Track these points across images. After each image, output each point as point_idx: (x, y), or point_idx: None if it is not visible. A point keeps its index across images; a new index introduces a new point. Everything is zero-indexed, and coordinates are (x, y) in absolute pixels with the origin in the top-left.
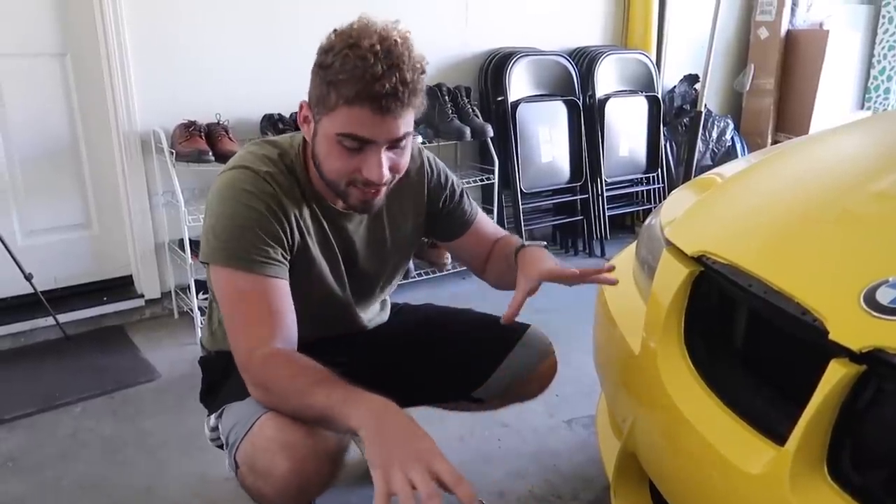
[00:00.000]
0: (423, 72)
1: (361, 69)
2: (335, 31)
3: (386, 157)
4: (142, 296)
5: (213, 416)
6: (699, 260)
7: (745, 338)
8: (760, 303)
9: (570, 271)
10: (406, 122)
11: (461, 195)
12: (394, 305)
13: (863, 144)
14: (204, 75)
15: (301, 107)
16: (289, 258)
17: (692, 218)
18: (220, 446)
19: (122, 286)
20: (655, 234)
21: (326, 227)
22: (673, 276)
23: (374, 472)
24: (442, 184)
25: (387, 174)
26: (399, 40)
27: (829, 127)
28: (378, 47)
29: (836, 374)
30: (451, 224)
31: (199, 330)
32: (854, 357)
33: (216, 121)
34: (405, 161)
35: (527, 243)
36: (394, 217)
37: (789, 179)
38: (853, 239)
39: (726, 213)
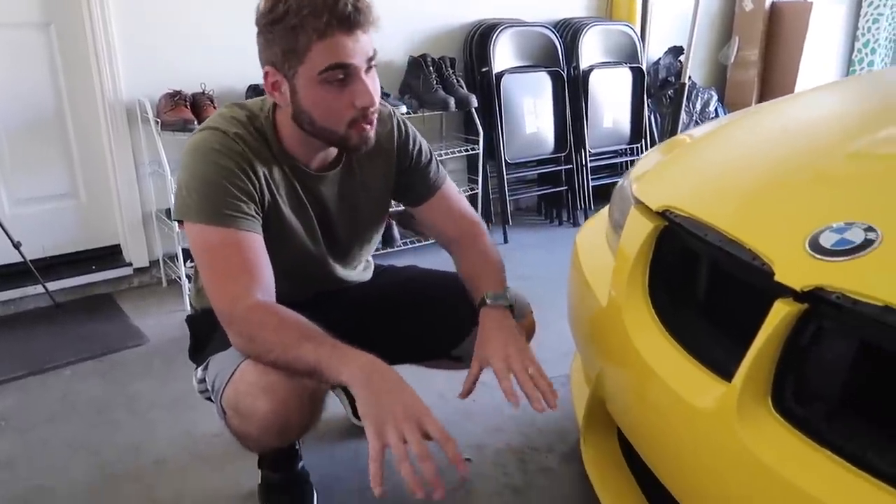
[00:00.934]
0: None
1: (319, 1)
2: None
3: (369, 81)
4: (130, 264)
5: (199, 369)
6: (663, 215)
7: (704, 286)
8: (717, 251)
9: (505, 383)
10: (371, 39)
11: (430, 158)
12: (378, 267)
13: (823, 105)
14: (189, 45)
15: (266, 75)
16: (261, 214)
17: (659, 176)
18: (209, 398)
19: (110, 255)
20: (625, 193)
21: (298, 187)
22: (639, 231)
23: (368, 427)
24: (411, 143)
25: (376, 97)
26: None
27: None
28: None
29: (780, 313)
30: (417, 185)
31: (188, 296)
32: (797, 297)
33: (201, 90)
34: (378, 86)
35: (489, 300)
36: (366, 178)
37: (750, 138)
38: (805, 191)
39: (691, 171)
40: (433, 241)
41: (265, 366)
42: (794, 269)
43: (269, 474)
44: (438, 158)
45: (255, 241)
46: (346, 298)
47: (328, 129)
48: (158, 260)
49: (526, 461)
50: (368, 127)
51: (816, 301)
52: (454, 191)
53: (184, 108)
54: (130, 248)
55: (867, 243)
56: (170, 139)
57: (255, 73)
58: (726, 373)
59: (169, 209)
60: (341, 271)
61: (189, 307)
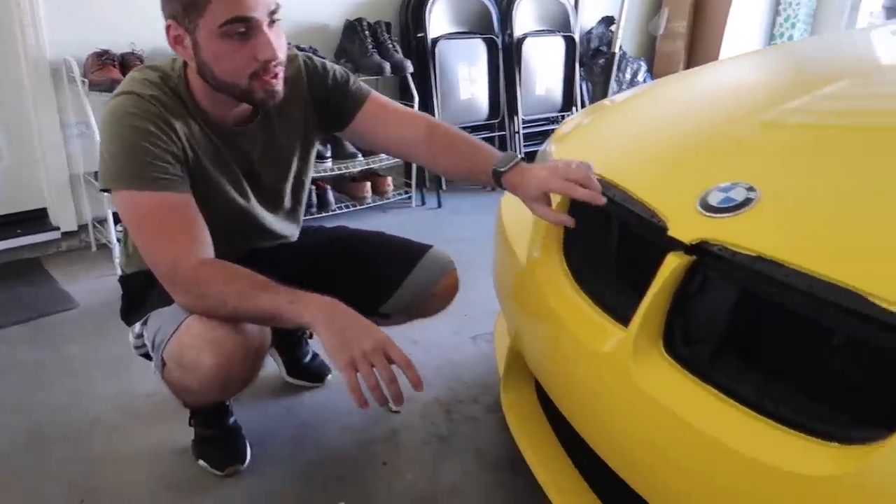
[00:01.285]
0: None
1: None
2: None
3: (272, 34)
4: (57, 228)
5: (138, 324)
6: None
7: (613, 243)
8: (623, 210)
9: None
10: None
11: (346, 77)
12: (309, 227)
13: (734, 75)
14: (117, 3)
15: (168, 29)
16: (186, 174)
17: (577, 139)
18: (144, 355)
19: (36, 219)
20: (546, 156)
21: (219, 143)
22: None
23: (339, 361)
24: (321, 72)
25: (280, 53)
26: None
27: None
28: None
29: (671, 265)
30: (343, 103)
31: (118, 260)
32: (687, 250)
33: (130, 50)
34: (284, 42)
35: (503, 168)
36: (285, 125)
37: (663, 106)
38: (700, 154)
39: (606, 135)
40: (366, 205)
41: (211, 320)
42: (685, 225)
43: (202, 430)
44: None
45: (187, 200)
46: (278, 257)
47: (230, 83)
48: (87, 224)
49: (451, 412)
50: (273, 80)
51: (703, 253)
52: (386, 98)
53: (112, 68)
54: (57, 211)
55: (747, 201)
56: (98, 99)
57: None
58: (625, 319)
59: (97, 171)
60: (274, 221)
61: (120, 270)
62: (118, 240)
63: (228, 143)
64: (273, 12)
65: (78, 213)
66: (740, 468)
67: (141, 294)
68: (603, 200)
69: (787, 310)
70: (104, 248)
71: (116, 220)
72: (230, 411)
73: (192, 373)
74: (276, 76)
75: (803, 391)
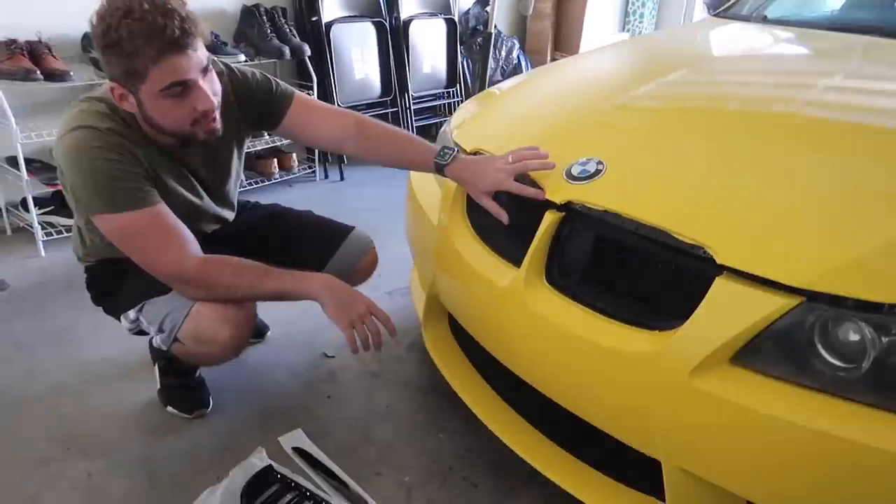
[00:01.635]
0: (186, 3)
1: (149, 28)
2: (96, 14)
3: (206, 85)
4: None
5: (132, 311)
6: (475, 154)
7: (505, 207)
8: None
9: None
10: (202, 49)
11: (269, 81)
12: (245, 203)
13: (598, 66)
14: None
15: (112, 88)
16: (152, 187)
17: (472, 123)
18: (138, 333)
19: None
20: (447, 137)
21: (169, 161)
22: None
23: (341, 322)
24: (244, 82)
25: (214, 99)
26: None
27: (592, 48)
28: (146, 5)
29: (548, 220)
30: (268, 105)
31: (41, 244)
32: (558, 208)
33: (38, 39)
34: (218, 85)
35: (442, 161)
36: (220, 140)
37: (540, 93)
38: (567, 134)
39: (495, 119)
40: (274, 181)
41: (217, 303)
42: (557, 190)
43: (173, 380)
44: None
45: (164, 209)
46: (224, 235)
47: (176, 131)
48: (1, 209)
49: (378, 353)
50: (213, 123)
51: (569, 210)
52: (310, 98)
53: (22, 57)
54: None
55: (597, 172)
56: (9, 87)
57: (86, 20)
58: (517, 262)
59: (13, 157)
60: (222, 211)
61: (78, 260)
62: (40, 224)
63: (177, 160)
64: (205, 68)
65: None
66: (595, 352)
67: (110, 283)
68: (544, 195)
69: (623, 245)
70: (21, 231)
71: (37, 204)
72: (196, 366)
73: (210, 345)
74: (214, 119)
75: (633, 299)
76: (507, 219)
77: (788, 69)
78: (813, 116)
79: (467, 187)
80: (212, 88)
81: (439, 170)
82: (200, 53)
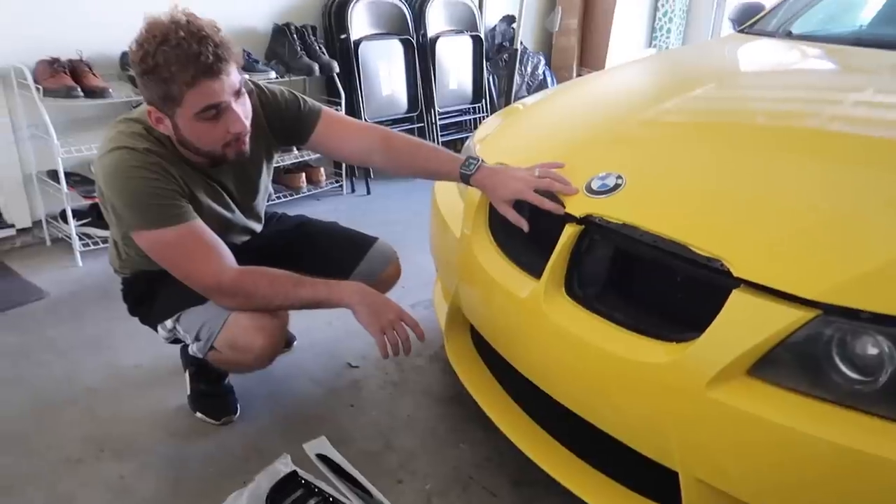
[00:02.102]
0: (220, 30)
1: (184, 55)
2: (135, 41)
3: (238, 108)
4: (12, 226)
5: (168, 321)
6: None
7: (526, 218)
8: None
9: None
10: (235, 73)
11: (296, 98)
12: (273, 214)
13: (620, 82)
14: (61, 12)
15: (149, 112)
16: (188, 203)
17: (495, 138)
18: (174, 341)
19: None
20: (470, 151)
21: (202, 178)
22: None
23: (373, 328)
24: (274, 100)
25: (247, 122)
26: (189, 18)
27: (618, 63)
28: (181, 32)
29: (568, 232)
30: (297, 122)
31: (79, 254)
32: (578, 221)
33: (78, 58)
34: (250, 106)
35: (468, 170)
36: (251, 158)
37: (563, 109)
38: (588, 149)
39: (518, 134)
40: (302, 195)
41: (252, 313)
42: (577, 203)
43: (203, 387)
44: None
45: (201, 224)
46: (252, 246)
47: (209, 152)
48: (41, 220)
49: (401, 363)
50: (243, 146)
51: (588, 223)
52: (338, 113)
53: (64, 75)
54: (11, 209)
55: (616, 186)
56: (52, 104)
57: (126, 41)
58: (537, 274)
59: (53, 171)
60: (251, 223)
61: (115, 271)
62: (78, 235)
63: (209, 177)
64: (238, 90)
65: (31, 210)
66: (613, 363)
67: (146, 294)
68: (563, 210)
69: (641, 258)
70: (59, 241)
71: (75, 216)
72: (226, 373)
73: (246, 353)
74: (245, 141)
75: (650, 311)
76: (526, 226)
77: (812, 84)
78: (833, 131)
79: (489, 195)
80: (244, 111)
81: (465, 179)
82: (233, 77)
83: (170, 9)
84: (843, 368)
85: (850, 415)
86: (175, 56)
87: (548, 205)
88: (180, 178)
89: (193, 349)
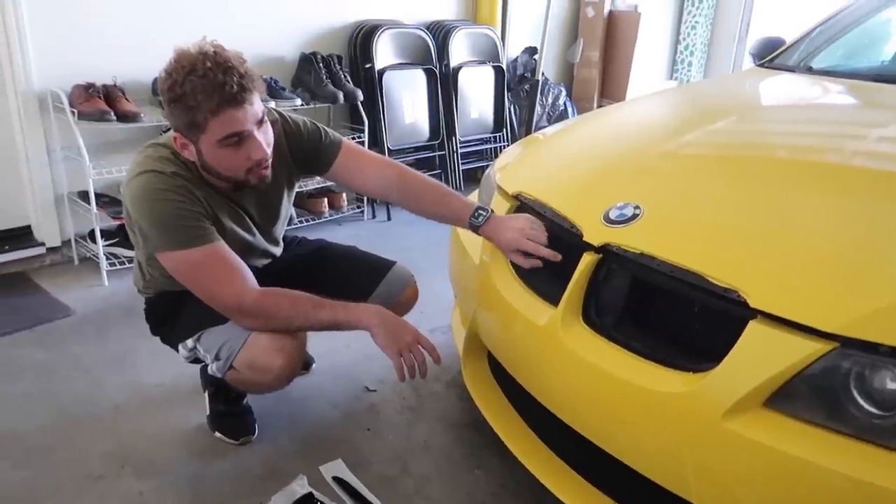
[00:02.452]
0: (246, 61)
1: (210, 84)
2: (164, 70)
3: (260, 136)
4: (42, 244)
5: (189, 340)
6: (517, 197)
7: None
8: (549, 221)
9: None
10: (258, 102)
11: (318, 129)
12: (293, 239)
13: (640, 114)
14: (98, 39)
15: (175, 138)
16: (211, 226)
17: (515, 167)
18: (194, 361)
19: (20, 235)
20: (490, 180)
21: (226, 201)
22: (500, 209)
23: (390, 351)
24: (297, 131)
25: (268, 149)
26: (216, 49)
27: (639, 95)
28: (208, 63)
29: (585, 261)
30: (318, 153)
31: (105, 273)
32: (596, 250)
33: (112, 83)
34: (272, 135)
35: (477, 220)
36: (272, 185)
37: (581, 140)
38: (606, 179)
39: (538, 164)
40: (324, 219)
41: (272, 333)
42: (594, 232)
43: (220, 407)
44: None
45: (224, 246)
46: (272, 270)
47: (231, 177)
48: (70, 239)
49: (418, 388)
50: (264, 171)
51: (606, 252)
52: (357, 146)
53: (98, 100)
54: (42, 228)
55: (635, 216)
56: (85, 127)
57: (158, 67)
58: (555, 301)
59: (84, 192)
60: (271, 247)
61: (138, 291)
62: (105, 255)
63: (233, 201)
64: (261, 119)
65: (61, 229)
66: (629, 392)
67: (168, 314)
68: (559, 257)
69: (658, 287)
70: (86, 260)
71: (103, 236)
72: (245, 394)
73: (264, 373)
74: (266, 167)
75: (667, 340)
76: (539, 264)
77: (832, 119)
78: (852, 165)
79: (494, 244)
80: (266, 139)
81: (473, 229)
82: (256, 107)
83: (199, 40)
84: (861, 402)
85: (868, 449)
86: (201, 85)
87: (544, 252)
88: (205, 201)
89: (213, 369)
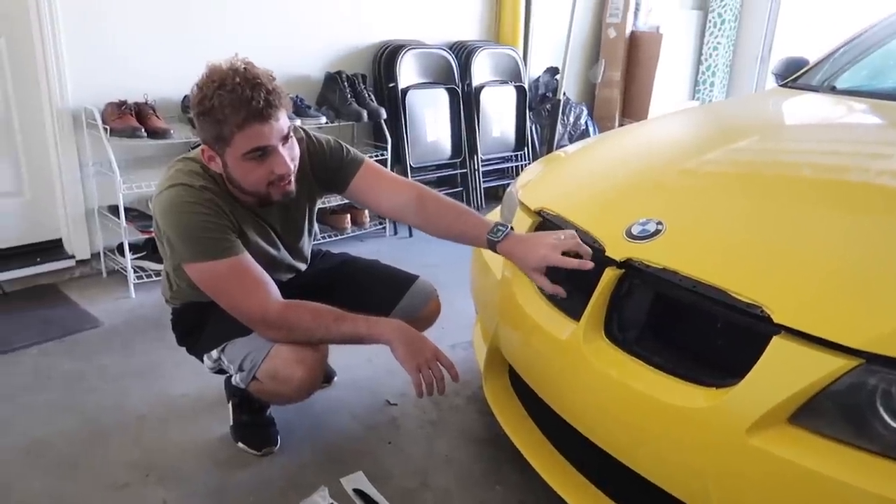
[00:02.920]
0: (275, 78)
1: (237, 99)
2: (196, 84)
3: (285, 152)
4: (72, 256)
5: (214, 351)
6: (540, 213)
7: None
8: None
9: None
10: (284, 119)
11: (340, 147)
12: (317, 252)
13: (660, 132)
14: (131, 58)
15: (203, 150)
16: (237, 239)
17: (537, 184)
18: (218, 371)
19: (52, 248)
20: (512, 197)
21: (251, 216)
22: (522, 225)
23: (409, 366)
24: (320, 150)
25: (292, 165)
26: (246, 66)
27: (660, 115)
28: (238, 78)
29: (608, 276)
30: (339, 171)
31: (132, 286)
32: (618, 265)
33: (144, 101)
34: (297, 151)
35: (496, 237)
36: (295, 201)
37: (603, 157)
38: (628, 196)
39: (560, 181)
40: (346, 235)
41: (294, 345)
42: (617, 247)
43: (243, 417)
44: None
45: (249, 259)
46: (297, 283)
47: (254, 191)
48: (99, 252)
49: (439, 403)
50: (287, 186)
51: (628, 267)
52: (379, 166)
53: (129, 117)
54: (73, 241)
55: (657, 232)
56: (117, 143)
57: (188, 85)
58: (577, 317)
59: (114, 206)
60: (295, 262)
61: (166, 302)
62: (133, 268)
63: (258, 216)
64: (286, 135)
65: (91, 242)
66: (651, 407)
67: (194, 324)
68: (591, 265)
69: (681, 303)
70: (115, 273)
71: (131, 249)
72: (268, 405)
73: (286, 384)
74: (289, 182)
75: (690, 355)
76: (563, 293)
77: (853, 138)
78: (877, 184)
79: (518, 264)
80: (290, 154)
81: (491, 246)
82: (282, 123)
83: (231, 57)
84: (888, 419)
85: (894, 466)
86: (229, 100)
87: (573, 263)
88: (231, 215)
89: (237, 379)
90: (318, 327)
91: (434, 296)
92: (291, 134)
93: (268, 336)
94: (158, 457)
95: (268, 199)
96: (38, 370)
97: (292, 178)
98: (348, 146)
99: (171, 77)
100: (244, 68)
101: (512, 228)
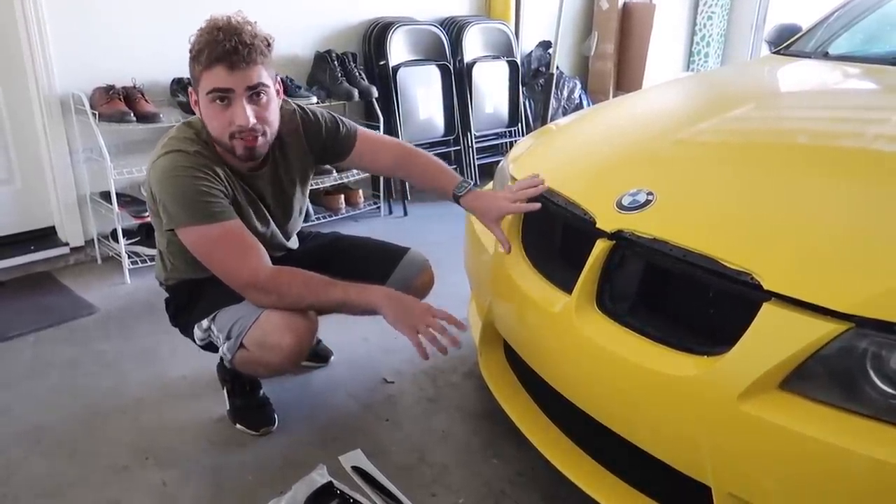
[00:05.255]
0: (268, 43)
1: (212, 41)
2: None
3: (249, 108)
4: (66, 244)
5: (205, 320)
6: None
7: (558, 235)
8: (563, 210)
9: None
10: (257, 74)
11: (335, 120)
12: (308, 233)
13: (651, 103)
14: (118, 42)
15: (190, 93)
16: (230, 205)
17: (528, 157)
18: (207, 346)
19: (45, 236)
20: (504, 171)
21: (242, 184)
22: None
23: (403, 328)
24: (315, 122)
25: (252, 120)
26: (239, 20)
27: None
28: (221, 23)
29: (599, 248)
30: (336, 144)
31: (127, 272)
32: (609, 237)
33: (132, 85)
34: (270, 115)
35: (460, 192)
36: (288, 169)
37: (595, 129)
38: (618, 167)
39: (552, 154)
40: (341, 216)
41: (284, 311)
42: (607, 219)
43: (239, 401)
44: None
45: (241, 224)
46: (288, 262)
47: (218, 140)
48: (93, 239)
49: (436, 379)
50: (250, 142)
51: (619, 239)
52: (371, 132)
53: (118, 102)
54: (66, 228)
55: (647, 202)
56: (106, 128)
57: (177, 68)
58: (569, 289)
59: (106, 192)
60: (284, 240)
61: (159, 283)
62: (128, 253)
63: (248, 184)
64: (253, 88)
65: (84, 229)
66: (644, 377)
67: (188, 300)
68: (537, 206)
69: (671, 272)
70: (110, 259)
71: (125, 235)
72: (260, 385)
73: (273, 351)
74: (253, 139)
75: (681, 324)
76: (509, 247)
77: (847, 103)
78: (866, 148)
79: (478, 217)
80: (258, 112)
81: (456, 200)
82: (252, 74)
83: (237, 12)
84: (878, 382)
85: (885, 429)
86: (206, 42)
87: (525, 207)
88: (224, 179)
89: (223, 350)
90: (309, 293)
91: (426, 266)
92: (265, 93)
93: (258, 301)
94: (157, 439)
95: (231, 151)
96: (35, 357)
97: (258, 137)
98: (340, 117)
99: (159, 60)
100: (237, 20)
101: (474, 185)
